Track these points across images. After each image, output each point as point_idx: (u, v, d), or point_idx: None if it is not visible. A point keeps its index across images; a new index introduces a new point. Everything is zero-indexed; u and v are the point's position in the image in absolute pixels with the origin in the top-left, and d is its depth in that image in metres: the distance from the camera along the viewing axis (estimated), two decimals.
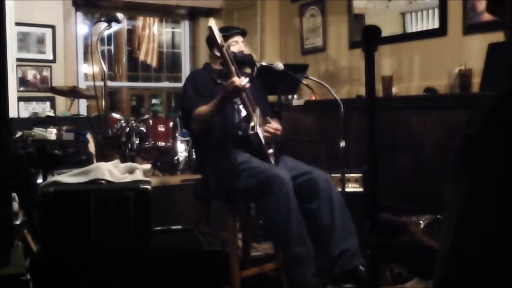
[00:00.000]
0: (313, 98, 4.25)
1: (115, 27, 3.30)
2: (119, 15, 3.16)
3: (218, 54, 2.54)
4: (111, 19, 3.17)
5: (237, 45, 2.87)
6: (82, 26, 5.49)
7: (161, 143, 3.79)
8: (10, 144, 2.54)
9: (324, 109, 4.09)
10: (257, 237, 3.52)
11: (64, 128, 3.28)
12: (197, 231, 2.57)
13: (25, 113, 4.79)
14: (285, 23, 5.33)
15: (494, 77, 3.03)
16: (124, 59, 6.49)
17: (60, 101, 4.93)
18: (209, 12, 5.84)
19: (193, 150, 3.75)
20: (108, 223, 2.16)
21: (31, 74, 5.01)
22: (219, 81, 2.78)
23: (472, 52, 3.45)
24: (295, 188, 2.46)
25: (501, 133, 0.82)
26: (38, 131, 3.20)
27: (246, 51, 2.92)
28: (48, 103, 4.96)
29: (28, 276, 1.79)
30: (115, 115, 4.02)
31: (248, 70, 2.81)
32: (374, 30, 1.24)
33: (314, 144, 4.30)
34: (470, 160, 0.85)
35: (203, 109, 2.65)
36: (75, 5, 5.24)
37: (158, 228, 2.42)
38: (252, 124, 2.63)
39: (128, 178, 2.34)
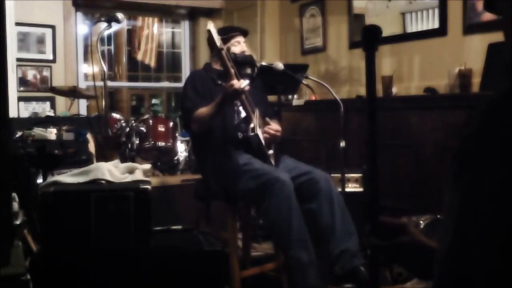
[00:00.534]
0: (313, 98, 4.25)
1: (115, 27, 3.30)
2: (119, 15, 3.16)
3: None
4: (111, 19, 3.17)
5: (239, 45, 2.87)
6: (82, 26, 5.49)
7: (161, 143, 3.79)
8: (10, 144, 2.53)
9: (324, 109, 4.09)
10: (257, 237, 3.52)
11: (64, 128, 3.28)
12: (197, 231, 2.57)
13: (25, 113, 4.79)
14: (285, 23, 5.33)
15: (494, 77, 3.03)
16: (124, 59, 6.49)
17: (60, 101, 4.93)
18: (209, 12, 5.84)
19: (193, 150, 3.74)
20: (108, 223, 2.16)
21: (31, 74, 5.01)
22: (219, 82, 2.78)
23: (472, 52, 3.45)
24: (295, 188, 2.46)
25: (499, 133, 0.82)
26: (38, 131, 3.20)
27: (248, 51, 2.91)
28: (48, 103, 4.96)
29: (28, 276, 1.79)
30: (115, 115, 4.02)
31: (248, 71, 2.81)
32: (374, 30, 1.24)
33: (314, 144, 4.30)
34: (468, 161, 0.85)
35: (203, 110, 2.65)
36: (75, 5, 5.25)
37: (158, 228, 2.42)
38: (252, 125, 2.63)
39: (128, 178, 2.33)
